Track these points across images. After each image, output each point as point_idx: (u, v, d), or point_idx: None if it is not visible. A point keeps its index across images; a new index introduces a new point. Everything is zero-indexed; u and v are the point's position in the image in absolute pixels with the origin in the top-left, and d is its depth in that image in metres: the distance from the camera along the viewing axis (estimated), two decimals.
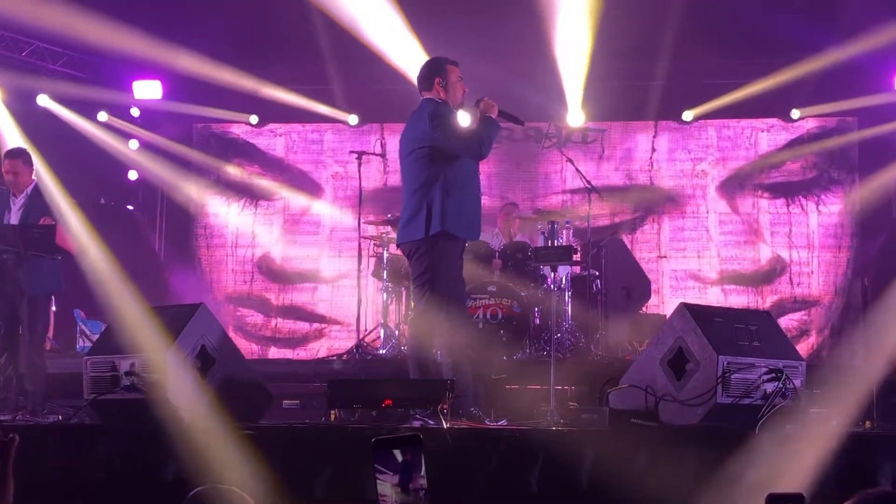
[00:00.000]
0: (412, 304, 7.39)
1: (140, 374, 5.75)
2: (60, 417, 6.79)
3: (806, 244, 11.71)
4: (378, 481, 2.28)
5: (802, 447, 4.92)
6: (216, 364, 5.98)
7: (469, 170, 6.32)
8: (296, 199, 12.39)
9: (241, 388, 6.09)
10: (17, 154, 7.93)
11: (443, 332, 6.09)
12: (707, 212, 11.91)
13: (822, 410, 5.77)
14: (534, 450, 5.10)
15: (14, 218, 7.67)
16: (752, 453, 4.84)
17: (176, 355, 5.75)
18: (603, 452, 5.00)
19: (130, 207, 12.37)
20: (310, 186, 12.40)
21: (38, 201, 7.76)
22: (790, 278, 11.68)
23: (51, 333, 9.47)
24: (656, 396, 5.52)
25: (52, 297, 8.48)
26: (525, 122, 6.76)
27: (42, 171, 9.22)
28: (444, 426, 5.40)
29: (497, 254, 9.43)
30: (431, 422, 5.56)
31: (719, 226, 11.87)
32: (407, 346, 7.01)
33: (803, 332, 11.49)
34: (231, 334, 7.42)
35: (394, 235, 9.40)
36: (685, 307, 5.63)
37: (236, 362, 6.26)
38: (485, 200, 11.43)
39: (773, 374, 5.38)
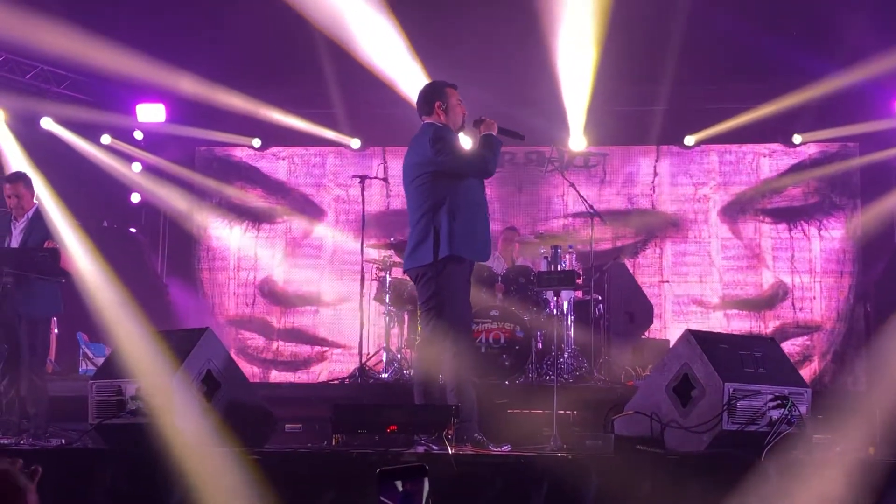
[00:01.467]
0: (418, 328, 7.38)
1: (145, 399, 5.74)
2: (64, 441, 6.76)
3: (808, 269, 11.72)
4: None
5: (808, 474, 4.91)
6: (221, 388, 5.98)
7: (475, 191, 6.30)
8: (298, 223, 12.42)
9: (245, 412, 6.08)
10: (19, 178, 7.95)
11: (448, 358, 6.07)
12: (709, 236, 11.93)
13: (826, 437, 5.77)
14: (539, 476, 5.09)
15: (15, 241, 7.70)
16: (758, 480, 4.83)
17: (182, 380, 5.75)
18: (608, 479, 4.98)
19: (133, 230, 12.38)
20: (312, 210, 12.42)
21: (39, 224, 7.78)
22: (792, 303, 11.69)
23: (52, 356, 9.47)
24: (662, 423, 5.51)
25: (54, 320, 8.47)
26: (525, 136, 6.68)
27: (45, 194, 9.26)
28: (449, 451, 5.39)
29: (500, 278, 9.44)
30: (436, 447, 5.54)
31: (721, 250, 11.88)
32: (413, 371, 6.97)
33: (806, 358, 11.48)
34: (233, 357, 7.41)
35: (396, 259, 9.42)
36: (690, 334, 5.63)
37: (241, 386, 6.26)
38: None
39: (779, 401, 5.37)
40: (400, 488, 2.23)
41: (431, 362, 6.20)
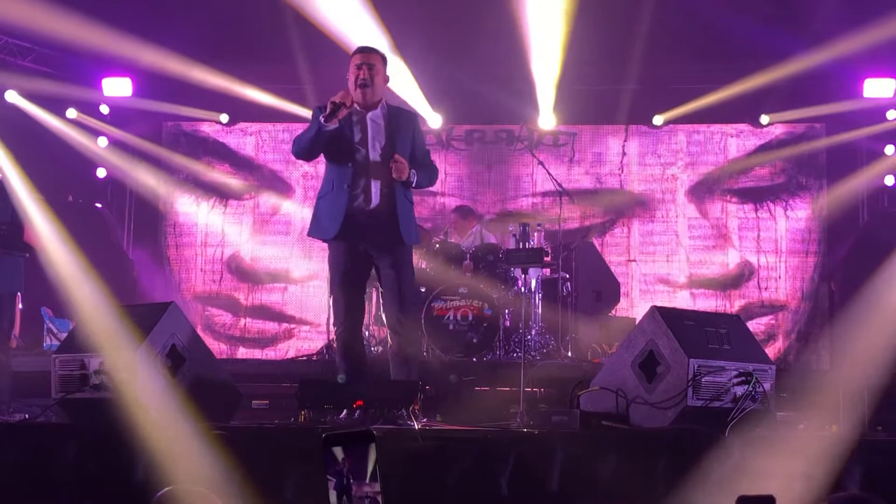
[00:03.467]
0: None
1: (109, 373, 5.68)
2: (27, 416, 6.71)
3: (774, 249, 11.81)
4: (329, 489, 2.05)
5: (771, 450, 4.96)
6: (186, 363, 5.94)
7: (330, 170, 6.28)
8: (266, 199, 12.35)
9: (211, 387, 6.04)
10: None
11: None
12: (676, 216, 11.99)
13: (789, 414, 5.83)
14: (505, 451, 5.10)
15: None
16: (721, 456, 4.87)
17: (146, 354, 5.71)
18: (574, 454, 5.00)
19: (99, 205, 12.26)
20: (280, 186, 12.36)
21: (2, 197, 7.69)
22: (758, 283, 11.78)
23: (17, 331, 9.38)
24: (627, 399, 5.53)
25: (19, 295, 8.38)
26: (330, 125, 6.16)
27: (9, 168, 9.15)
28: (416, 427, 5.40)
29: (468, 255, 9.44)
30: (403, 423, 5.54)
31: (688, 230, 11.95)
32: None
33: (770, 336, 11.58)
34: (199, 334, 7.36)
35: None
36: (656, 310, 5.65)
37: (207, 362, 6.22)
38: (456, 202, 11.66)
39: (743, 378, 5.40)
40: (343, 454, 2.07)
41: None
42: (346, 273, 6.24)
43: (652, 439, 5.20)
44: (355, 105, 6.14)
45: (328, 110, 5.95)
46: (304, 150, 6.27)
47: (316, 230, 6.31)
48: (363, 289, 6.49)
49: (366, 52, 6.31)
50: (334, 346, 9.43)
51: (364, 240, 6.20)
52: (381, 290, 6.60)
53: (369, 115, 6.24)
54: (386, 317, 6.46)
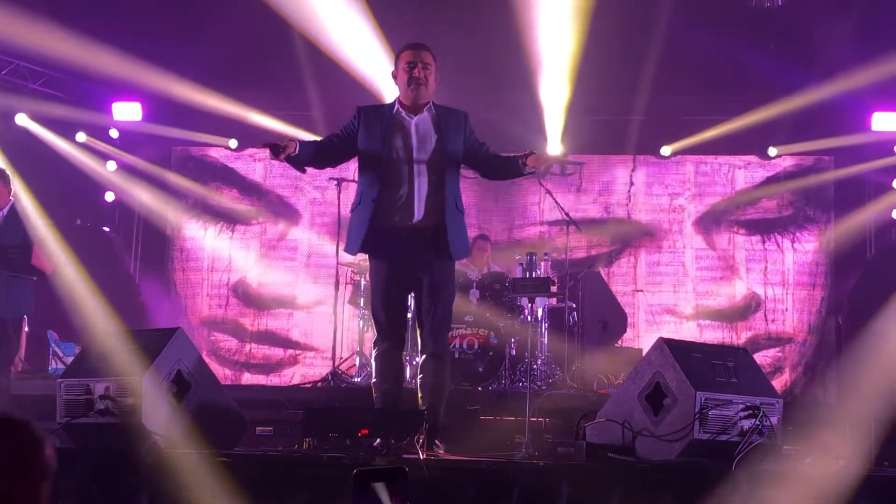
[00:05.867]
0: None
1: (115, 398, 5.68)
2: None
3: (781, 281, 11.78)
4: None
5: (778, 485, 4.93)
6: (192, 389, 5.93)
7: (362, 182, 6.01)
8: (273, 225, 12.37)
9: (216, 414, 6.03)
10: None
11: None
12: (683, 247, 11.97)
13: (796, 448, 5.80)
14: (510, 482, 5.08)
15: None
16: (728, 490, 4.85)
17: (152, 380, 5.70)
18: (579, 486, 4.99)
19: (106, 229, 12.29)
20: (287, 212, 12.38)
21: (14, 221, 7.71)
22: (765, 315, 11.75)
23: (22, 354, 9.38)
24: (633, 431, 5.51)
25: (25, 318, 8.40)
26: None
27: (19, 191, 9.19)
28: (420, 457, 5.37)
29: (474, 284, 9.43)
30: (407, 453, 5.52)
31: (695, 261, 11.93)
32: None
33: (777, 369, 11.54)
34: (205, 359, 7.35)
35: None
36: (664, 342, 5.64)
37: (212, 388, 6.21)
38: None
39: (751, 411, 5.39)
40: (377, 493, 2.11)
41: None
42: (386, 293, 5.93)
43: (658, 472, 5.18)
44: (401, 112, 5.93)
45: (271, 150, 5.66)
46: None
47: (347, 244, 6.05)
48: (405, 307, 6.25)
49: (420, 48, 5.98)
50: (340, 371, 9.50)
51: (406, 255, 5.88)
52: (416, 308, 6.17)
53: (415, 119, 5.94)
54: (422, 339, 6.05)
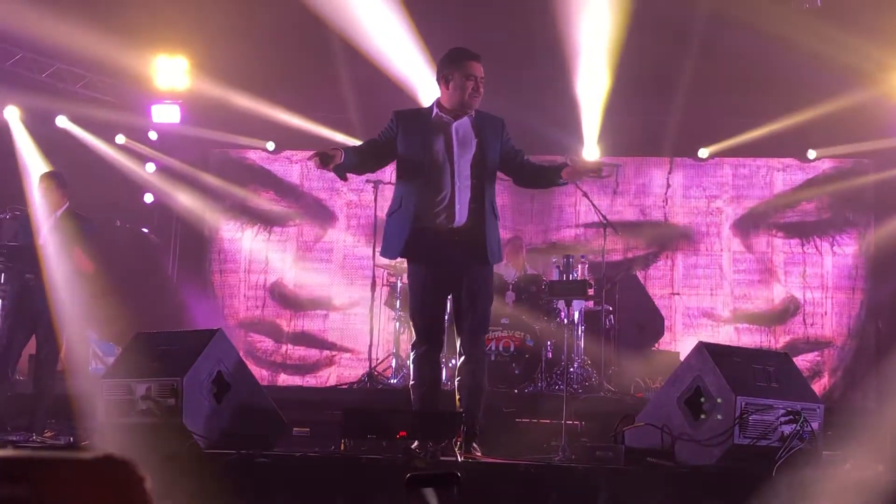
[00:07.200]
0: None
1: (156, 399, 5.74)
2: (72, 439, 6.77)
3: (820, 285, 11.69)
4: None
5: (819, 491, 4.90)
6: (232, 390, 5.97)
7: (400, 186, 6.03)
8: (310, 227, 12.42)
9: (255, 414, 6.07)
10: (47, 177, 8.08)
11: None
12: (721, 250, 11.90)
13: (835, 453, 5.75)
14: (548, 486, 5.07)
15: (43, 239, 7.78)
16: (768, 496, 4.81)
17: (192, 380, 5.74)
18: (618, 491, 4.97)
19: (146, 230, 12.40)
20: (324, 214, 12.43)
21: (66, 223, 7.85)
22: (803, 319, 11.66)
23: (63, 354, 9.48)
24: (672, 435, 5.49)
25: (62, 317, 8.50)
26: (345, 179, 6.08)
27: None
28: (458, 459, 5.38)
29: (510, 286, 9.42)
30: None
31: (733, 264, 11.86)
32: None
33: (816, 373, 11.44)
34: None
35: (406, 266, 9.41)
36: (703, 346, 5.61)
37: (251, 389, 6.25)
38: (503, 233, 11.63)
39: (791, 417, 5.35)
40: (427, 496, 2.13)
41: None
42: (425, 296, 5.95)
43: (697, 477, 5.16)
44: (441, 116, 5.91)
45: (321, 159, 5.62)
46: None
47: (384, 249, 6.07)
48: (444, 310, 6.21)
49: (478, 59, 5.95)
50: (376, 373, 9.52)
51: (445, 258, 5.89)
52: (454, 311, 6.13)
53: (455, 123, 5.91)
54: (460, 342, 6.02)
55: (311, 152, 5.70)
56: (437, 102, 6.02)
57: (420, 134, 5.91)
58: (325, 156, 5.64)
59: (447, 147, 5.89)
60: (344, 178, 6.05)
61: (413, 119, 6.04)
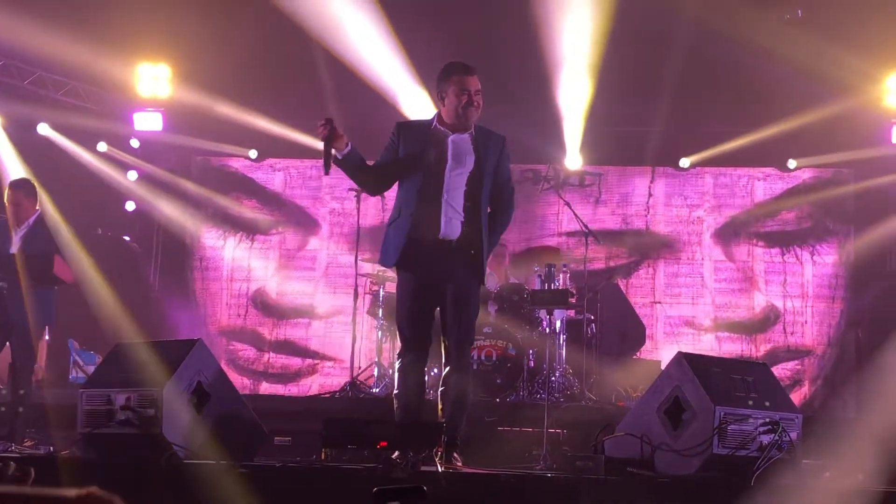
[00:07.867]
0: None
1: (136, 409, 5.73)
2: (52, 449, 6.74)
3: (800, 294, 11.75)
4: None
5: (797, 500, 4.92)
6: (212, 400, 5.96)
7: (400, 198, 6.08)
8: (292, 235, 12.40)
9: (235, 424, 6.06)
10: (18, 186, 7.97)
11: None
12: (702, 258, 11.95)
13: (815, 462, 5.78)
14: (528, 496, 5.09)
15: (15, 248, 7.70)
16: None
17: (172, 390, 5.73)
18: (598, 501, 4.99)
19: (127, 238, 12.35)
20: (307, 222, 12.41)
21: (40, 230, 7.78)
22: (784, 327, 11.71)
23: (42, 363, 9.45)
24: (652, 445, 5.51)
25: (47, 328, 8.45)
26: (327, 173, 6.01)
27: (41, 200, 9.26)
28: (439, 469, 5.38)
29: (493, 295, 9.43)
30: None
31: (714, 273, 11.90)
32: None
33: (796, 382, 11.49)
34: (223, 368, 7.38)
35: (390, 273, 9.39)
36: (683, 356, 5.64)
37: (232, 399, 6.24)
38: None
39: (770, 427, 5.38)
40: None
41: None
42: (414, 306, 5.98)
43: (677, 487, 5.18)
44: (439, 128, 5.94)
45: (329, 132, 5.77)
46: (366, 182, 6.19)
47: (383, 256, 6.08)
48: (431, 321, 6.15)
49: (473, 73, 5.97)
50: (358, 382, 9.52)
51: (436, 270, 5.91)
52: (441, 322, 6.09)
53: (452, 136, 5.95)
54: (446, 353, 6.03)
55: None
56: (438, 115, 6.07)
57: (417, 144, 5.96)
58: (335, 132, 5.76)
59: (440, 160, 5.91)
60: (327, 170, 5.99)
61: (412, 129, 6.12)
